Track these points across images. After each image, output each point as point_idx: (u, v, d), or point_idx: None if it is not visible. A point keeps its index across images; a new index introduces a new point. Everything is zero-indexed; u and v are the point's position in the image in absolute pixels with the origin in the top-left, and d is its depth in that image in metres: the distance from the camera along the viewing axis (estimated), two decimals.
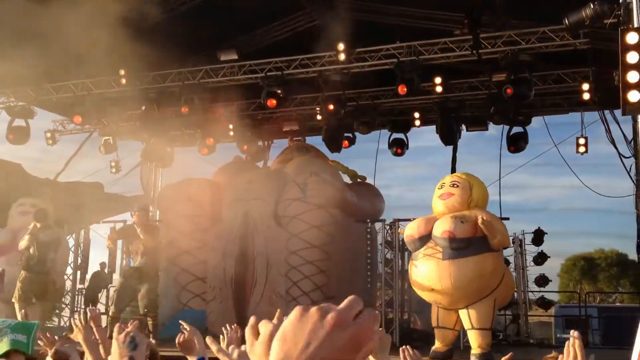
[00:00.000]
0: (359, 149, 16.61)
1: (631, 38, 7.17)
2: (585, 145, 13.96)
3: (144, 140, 16.06)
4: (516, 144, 13.78)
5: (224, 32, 12.93)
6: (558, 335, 16.69)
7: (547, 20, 10.54)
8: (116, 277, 14.17)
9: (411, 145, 15.16)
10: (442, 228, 9.11)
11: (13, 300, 10.90)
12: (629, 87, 7.14)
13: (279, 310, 1.29)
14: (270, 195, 12.41)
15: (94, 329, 3.05)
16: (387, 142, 15.13)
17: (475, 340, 9.09)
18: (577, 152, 14.08)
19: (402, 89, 11.28)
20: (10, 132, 14.11)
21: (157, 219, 14.34)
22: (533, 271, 15.11)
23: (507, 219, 10.16)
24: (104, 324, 4.90)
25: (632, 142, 10.78)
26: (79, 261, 14.16)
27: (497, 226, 9.21)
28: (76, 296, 14.28)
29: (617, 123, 12.41)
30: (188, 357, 2.91)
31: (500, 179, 14.74)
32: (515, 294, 13.28)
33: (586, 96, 12.03)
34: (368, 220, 13.15)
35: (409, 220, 10.81)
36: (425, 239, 9.30)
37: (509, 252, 13.19)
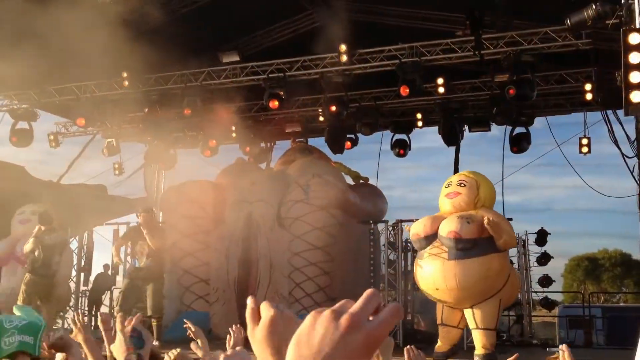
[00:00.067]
0: (362, 150, 16.64)
1: (633, 38, 7.16)
2: (588, 145, 13.94)
3: (146, 143, 16.08)
4: (519, 144, 13.77)
5: (226, 34, 12.95)
6: (562, 335, 16.67)
7: (549, 20, 10.53)
8: (119, 279, 14.21)
9: (414, 146, 15.18)
10: (448, 228, 9.07)
11: (18, 302, 10.93)
12: (632, 87, 7.14)
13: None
14: (273, 197, 12.43)
15: (103, 333, 3.00)
16: (390, 143, 15.14)
17: (479, 340, 9.08)
18: (580, 152, 14.05)
19: (404, 90, 11.28)
20: (13, 134, 14.14)
21: (160, 220, 14.36)
22: (536, 271, 15.10)
23: (511, 219, 10.13)
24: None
25: (635, 142, 10.76)
26: (83, 263, 14.21)
27: (504, 227, 9.17)
28: (80, 298, 14.32)
29: (620, 123, 12.38)
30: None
31: (503, 180, 14.71)
32: (519, 294, 13.26)
33: (589, 96, 12.01)
34: (371, 222, 13.16)
35: (412, 221, 10.81)
36: (431, 238, 9.27)
37: (512, 253, 13.17)
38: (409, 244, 13.39)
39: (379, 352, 2.72)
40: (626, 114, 7.95)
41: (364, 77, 12.38)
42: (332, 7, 11.70)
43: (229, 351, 3.09)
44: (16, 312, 2.80)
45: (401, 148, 15.04)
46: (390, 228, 13.03)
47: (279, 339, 1.00)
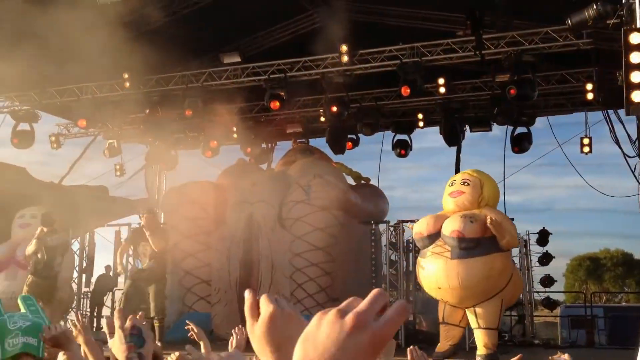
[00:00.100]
0: (363, 151, 16.64)
1: (634, 38, 7.16)
2: (590, 145, 13.93)
3: (148, 144, 16.09)
4: (520, 144, 13.77)
5: (227, 35, 12.96)
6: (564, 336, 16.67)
7: (550, 20, 10.53)
8: (121, 280, 14.20)
9: (415, 146, 15.19)
10: (451, 227, 9.05)
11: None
12: (633, 87, 7.14)
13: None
14: (274, 198, 12.43)
15: (108, 336, 2.94)
16: (391, 144, 15.14)
17: (481, 340, 9.07)
18: (582, 152, 14.05)
19: (405, 91, 11.29)
20: (14, 136, 14.15)
21: (161, 221, 14.37)
22: (538, 271, 15.10)
23: (512, 219, 10.13)
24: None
25: (637, 142, 10.77)
26: (84, 264, 14.21)
27: (507, 226, 9.15)
28: (82, 299, 14.32)
29: (621, 123, 12.37)
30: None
31: (504, 180, 14.71)
32: (521, 294, 13.26)
33: (590, 96, 12.01)
34: (372, 222, 13.15)
35: (414, 221, 10.80)
36: (434, 237, 9.26)
37: (514, 253, 13.12)
38: (410, 245, 13.40)
39: (381, 353, 2.71)
40: (627, 114, 7.96)
41: (365, 78, 12.38)
42: (333, 8, 11.71)
43: (222, 352, 3.10)
44: (20, 304, 2.80)
45: (402, 148, 15.04)
46: (392, 228, 13.03)
47: (279, 336, 1.00)
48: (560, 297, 22.49)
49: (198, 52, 13.23)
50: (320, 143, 15.50)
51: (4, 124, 14.36)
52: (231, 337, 3.60)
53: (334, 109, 12.39)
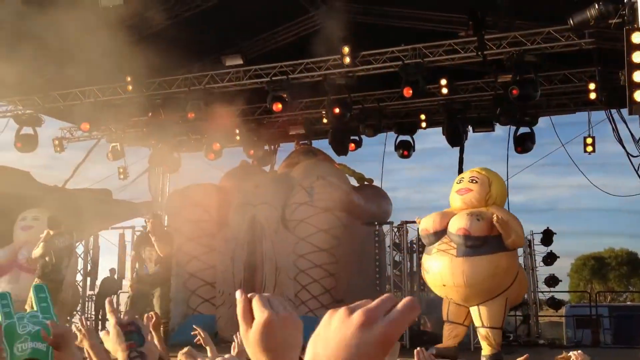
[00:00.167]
0: (366, 152, 16.66)
1: (637, 38, 7.16)
2: (593, 144, 13.91)
3: (151, 146, 16.13)
4: (523, 144, 13.75)
5: (229, 37, 12.98)
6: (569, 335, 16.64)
7: (552, 20, 10.53)
8: (126, 283, 14.22)
9: (417, 147, 15.21)
10: (457, 225, 9.02)
11: (26, 307, 10.92)
12: (635, 86, 7.13)
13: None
14: (277, 200, 12.44)
15: None
16: (394, 145, 15.15)
17: (485, 339, 9.06)
18: (585, 151, 14.03)
19: (407, 92, 11.29)
20: (18, 140, 14.19)
21: (165, 224, 14.40)
22: (543, 271, 15.06)
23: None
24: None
25: None
26: (89, 268, 14.23)
27: (513, 225, 9.10)
28: (86, 303, 14.34)
29: (624, 122, 12.36)
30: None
31: (507, 180, 14.69)
32: (526, 294, 13.24)
33: (592, 96, 12.00)
34: (376, 223, 13.15)
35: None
36: (440, 234, 9.23)
37: (518, 253, 13.16)
38: (414, 245, 13.39)
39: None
40: (630, 113, 7.95)
41: (367, 79, 12.39)
42: (334, 9, 11.72)
43: (219, 357, 3.09)
44: (32, 292, 2.78)
45: (405, 149, 15.04)
46: (395, 229, 13.03)
47: (275, 341, 0.98)
48: (565, 297, 22.47)
49: (200, 54, 13.26)
50: (323, 145, 15.54)
51: (7, 128, 14.44)
52: (234, 343, 3.60)
53: (337, 110, 12.40)
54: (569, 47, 10.81)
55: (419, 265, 11.02)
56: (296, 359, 1.01)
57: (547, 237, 14.80)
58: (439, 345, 9.27)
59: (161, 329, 10.46)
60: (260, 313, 0.98)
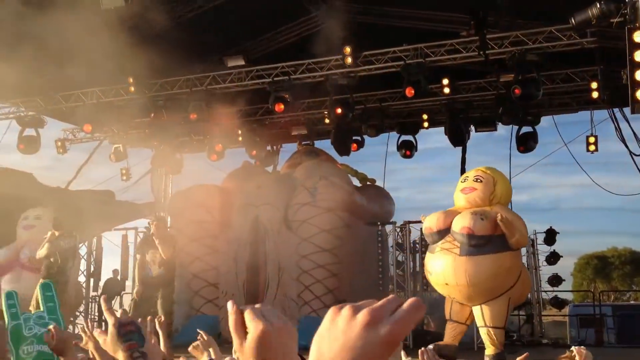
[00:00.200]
0: (368, 152, 16.62)
1: (638, 36, 7.15)
2: (595, 143, 13.89)
3: (153, 148, 16.15)
4: (526, 143, 13.74)
5: (230, 38, 12.99)
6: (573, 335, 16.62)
7: (554, 19, 10.51)
8: (129, 284, 14.24)
9: (420, 147, 15.20)
10: (461, 224, 9.00)
11: (30, 309, 10.93)
12: (638, 85, 7.13)
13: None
14: (280, 200, 12.45)
15: None
16: (396, 145, 15.15)
17: (487, 338, 9.05)
18: (588, 150, 14.01)
19: (409, 92, 11.29)
20: (21, 141, 14.22)
21: (168, 225, 14.41)
22: (546, 271, 15.05)
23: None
24: None
25: None
26: (92, 269, 14.25)
27: (517, 225, 9.07)
28: (90, 304, 14.36)
29: (627, 121, 12.36)
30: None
31: (510, 179, 14.67)
32: (529, 294, 13.23)
33: (595, 95, 11.98)
34: (378, 223, 13.15)
35: (420, 222, 10.78)
36: (443, 232, 9.21)
37: (521, 252, 13.15)
38: (417, 245, 13.39)
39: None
40: (633, 112, 7.94)
41: (369, 79, 12.39)
42: (336, 10, 11.72)
43: (227, 358, 3.10)
44: (38, 291, 2.78)
45: (407, 149, 15.03)
46: (398, 229, 13.02)
47: (271, 354, 0.96)
48: (568, 296, 22.43)
49: (202, 55, 13.26)
50: (325, 145, 15.54)
51: (10, 130, 14.46)
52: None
53: (339, 110, 12.41)
54: (571, 46, 10.80)
55: (422, 265, 11.01)
56: None
57: (550, 236, 14.79)
58: (440, 342, 9.26)
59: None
60: (254, 325, 0.96)
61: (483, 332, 9.14)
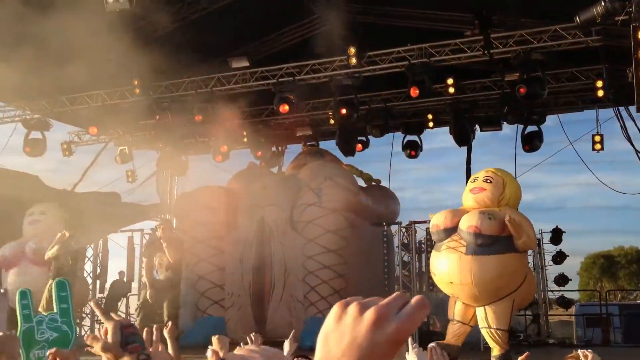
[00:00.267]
0: (373, 152, 16.61)
1: None
2: (601, 142, 13.84)
3: (158, 149, 16.17)
4: (531, 143, 13.71)
5: (235, 39, 13.01)
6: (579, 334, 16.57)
7: (558, 18, 10.49)
8: (135, 285, 14.25)
9: (425, 147, 15.19)
10: (468, 222, 8.97)
11: (40, 309, 10.94)
12: None
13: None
14: (285, 201, 12.45)
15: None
16: (401, 145, 15.13)
17: (491, 340, 9.03)
18: (593, 149, 13.96)
19: (414, 91, 11.28)
20: (27, 144, 14.26)
21: (174, 227, 14.43)
22: (552, 270, 15.01)
23: None
24: None
25: None
26: (98, 271, 14.28)
27: (525, 227, 9.02)
28: None
29: (633, 119, 12.31)
30: None
31: (516, 179, 14.63)
32: (535, 294, 13.20)
33: (600, 93, 11.94)
34: (384, 223, 13.14)
35: (426, 222, 10.77)
36: (450, 231, 9.19)
37: (528, 252, 13.12)
38: (422, 245, 13.38)
39: None
40: (638, 110, 7.93)
41: (374, 79, 12.38)
42: (340, 10, 11.72)
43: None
44: (54, 289, 2.78)
45: (412, 149, 15.02)
46: (404, 229, 13.01)
47: None
48: (574, 296, 22.33)
49: (207, 57, 13.28)
50: (330, 145, 15.54)
51: (16, 133, 14.52)
52: (241, 344, 3.61)
53: (343, 111, 12.40)
54: (575, 44, 10.77)
55: (428, 265, 11.00)
56: None
57: (557, 235, 14.75)
58: (441, 342, 9.22)
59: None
60: None
61: (486, 334, 9.11)
